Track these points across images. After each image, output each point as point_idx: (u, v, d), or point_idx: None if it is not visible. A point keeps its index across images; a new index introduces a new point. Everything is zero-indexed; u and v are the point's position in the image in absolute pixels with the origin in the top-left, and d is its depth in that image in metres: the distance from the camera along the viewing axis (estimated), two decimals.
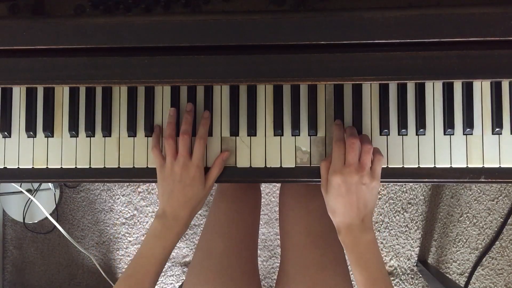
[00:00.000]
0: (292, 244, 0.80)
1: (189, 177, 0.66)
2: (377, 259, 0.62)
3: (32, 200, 1.30)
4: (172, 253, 1.40)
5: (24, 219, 1.39)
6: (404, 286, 1.38)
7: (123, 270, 1.42)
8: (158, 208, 0.69)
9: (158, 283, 1.42)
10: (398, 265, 1.37)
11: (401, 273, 1.38)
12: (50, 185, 1.37)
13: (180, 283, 1.41)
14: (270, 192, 1.38)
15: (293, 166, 0.70)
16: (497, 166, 0.68)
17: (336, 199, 0.63)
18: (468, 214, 1.36)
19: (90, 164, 0.72)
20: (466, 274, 1.37)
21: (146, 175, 0.71)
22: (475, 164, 0.69)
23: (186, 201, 0.67)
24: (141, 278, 0.65)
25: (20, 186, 1.29)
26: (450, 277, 1.36)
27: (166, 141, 0.68)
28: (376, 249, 0.63)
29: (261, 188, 1.27)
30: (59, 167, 0.72)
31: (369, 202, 0.63)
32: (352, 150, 0.62)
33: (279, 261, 0.92)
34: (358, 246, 0.62)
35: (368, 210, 0.63)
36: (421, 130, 0.69)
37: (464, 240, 1.36)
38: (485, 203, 1.35)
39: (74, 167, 0.72)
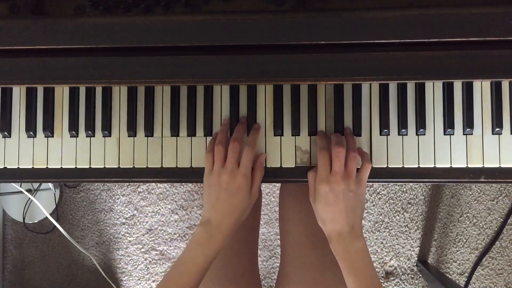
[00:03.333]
0: (292, 244, 0.80)
1: (235, 186, 0.65)
2: (368, 266, 0.63)
3: (32, 200, 1.30)
4: (172, 253, 1.41)
5: (24, 219, 1.39)
6: (404, 286, 1.38)
7: (123, 270, 1.42)
8: (203, 214, 0.68)
9: (158, 283, 1.42)
10: (398, 265, 1.37)
11: (401, 273, 1.38)
12: (50, 185, 1.37)
13: None
14: (270, 192, 1.38)
15: (293, 166, 0.70)
16: (497, 166, 0.68)
17: (324, 208, 0.64)
18: (468, 214, 1.36)
19: (90, 164, 0.72)
20: (466, 274, 1.37)
21: (146, 175, 0.71)
22: (475, 164, 0.69)
23: (232, 211, 0.65)
24: (179, 286, 0.63)
25: (20, 186, 1.29)
26: (450, 277, 1.36)
27: (216, 147, 0.66)
28: (367, 256, 0.63)
29: (261, 188, 1.27)
30: (59, 167, 0.72)
31: (357, 208, 0.64)
32: (338, 159, 0.63)
33: (279, 261, 0.92)
34: (350, 254, 0.63)
35: (357, 216, 0.64)
36: (421, 130, 0.69)
37: (464, 240, 1.36)
38: (485, 203, 1.35)
39: (74, 167, 0.72)
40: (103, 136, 0.72)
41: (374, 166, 0.69)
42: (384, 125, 0.69)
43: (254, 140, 0.68)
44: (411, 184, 1.36)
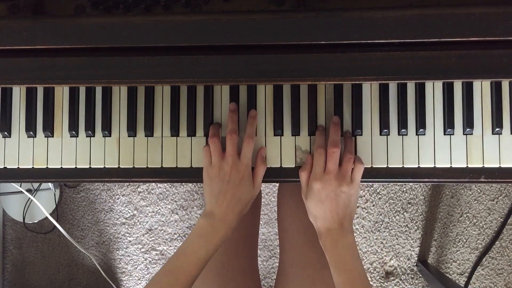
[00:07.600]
0: (291, 243, 0.80)
1: (238, 177, 0.65)
2: (355, 261, 0.63)
3: (32, 200, 1.30)
4: (172, 253, 1.40)
5: (24, 219, 1.39)
6: (404, 286, 1.38)
7: (123, 270, 1.42)
8: (204, 207, 0.68)
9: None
10: (398, 265, 1.37)
11: (401, 273, 1.38)
12: (50, 185, 1.37)
13: None
14: (270, 192, 1.38)
15: (293, 166, 0.70)
16: (497, 166, 0.68)
17: (316, 205, 0.64)
18: (468, 214, 1.36)
19: (90, 164, 0.72)
20: (466, 274, 1.37)
21: (146, 175, 0.71)
22: (475, 164, 0.69)
23: (236, 203, 0.65)
24: (180, 277, 0.62)
25: (20, 186, 1.29)
26: (450, 277, 1.36)
27: (211, 140, 0.67)
28: (355, 251, 0.64)
29: (261, 188, 1.27)
30: (59, 167, 0.72)
31: (348, 208, 0.64)
32: (332, 159, 0.64)
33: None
34: (337, 248, 0.63)
35: (348, 215, 0.64)
36: (421, 130, 0.69)
37: (464, 240, 1.36)
38: (485, 203, 1.35)
39: (74, 167, 0.72)
40: (103, 136, 0.72)
41: (374, 166, 0.69)
42: (384, 125, 0.69)
43: (253, 130, 0.68)
44: (411, 184, 1.36)
